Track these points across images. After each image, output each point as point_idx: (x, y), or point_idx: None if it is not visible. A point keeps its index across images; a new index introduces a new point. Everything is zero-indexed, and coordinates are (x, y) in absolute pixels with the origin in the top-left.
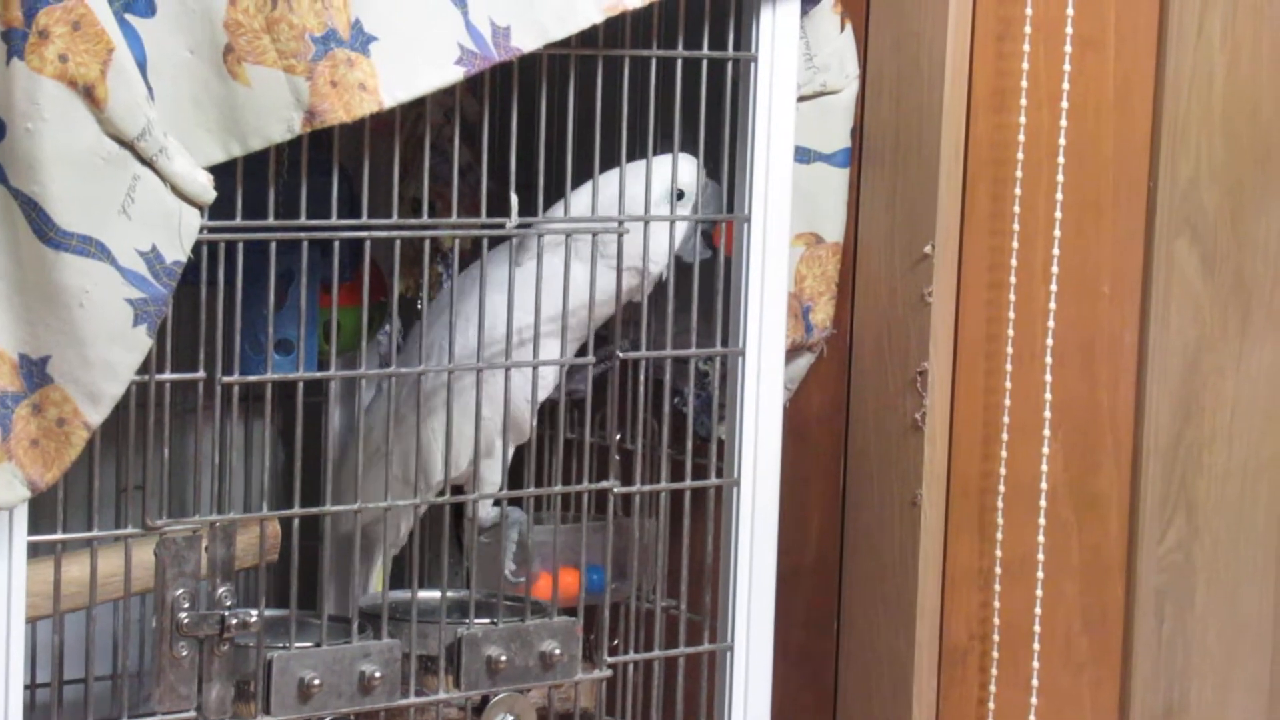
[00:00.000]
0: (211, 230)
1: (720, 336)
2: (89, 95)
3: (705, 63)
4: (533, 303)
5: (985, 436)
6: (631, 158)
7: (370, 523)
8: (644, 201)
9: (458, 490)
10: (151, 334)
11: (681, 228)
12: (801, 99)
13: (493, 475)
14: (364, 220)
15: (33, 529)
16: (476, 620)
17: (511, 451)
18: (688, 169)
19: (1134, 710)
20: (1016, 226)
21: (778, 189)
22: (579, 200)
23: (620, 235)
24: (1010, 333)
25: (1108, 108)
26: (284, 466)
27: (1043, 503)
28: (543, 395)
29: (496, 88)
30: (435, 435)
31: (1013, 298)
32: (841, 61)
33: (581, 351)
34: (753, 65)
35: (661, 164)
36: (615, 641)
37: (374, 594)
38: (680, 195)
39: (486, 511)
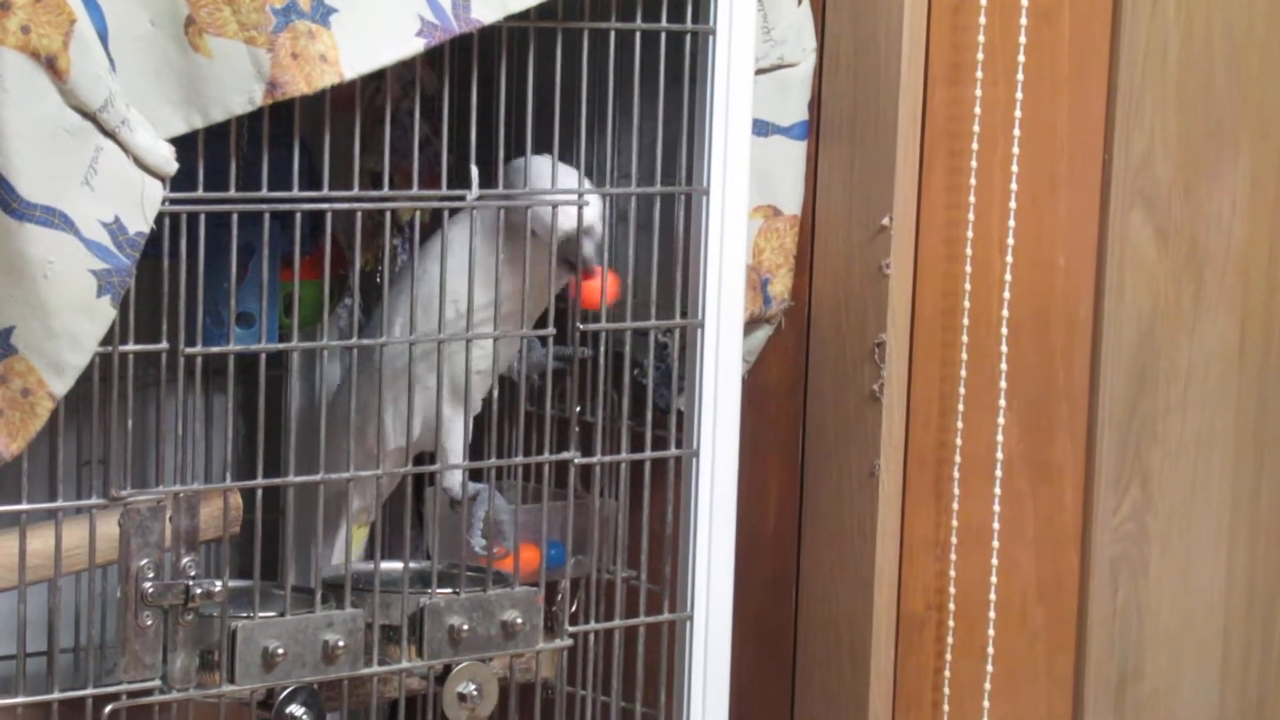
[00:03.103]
0: (173, 202)
1: (679, 309)
2: (51, 67)
3: (663, 35)
4: (487, 279)
5: (942, 408)
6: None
7: (342, 491)
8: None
9: (423, 461)
10: (115, 304)
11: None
12: (759, 72)
13: (453, 445)
14: (324, 193)
15: None
16: (439, 590)
17: (459, 423)
18: (593, 208)
19: (1089, 678)
20: (973, 199)
21: (735, 162)
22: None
23: (581, 207)
24: (967, 304)
25: (1063, 81)
26: (245, 439)
27: (999, 473)
28: (484, 364)
29: (455, 60)
30: (387, 406)
31: (969, 270)
32: (799, 34)
33: (540, 322)
34: (711, 38)
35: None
36: (574, 608)
37: (337, 565)
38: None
39: (453, 481)
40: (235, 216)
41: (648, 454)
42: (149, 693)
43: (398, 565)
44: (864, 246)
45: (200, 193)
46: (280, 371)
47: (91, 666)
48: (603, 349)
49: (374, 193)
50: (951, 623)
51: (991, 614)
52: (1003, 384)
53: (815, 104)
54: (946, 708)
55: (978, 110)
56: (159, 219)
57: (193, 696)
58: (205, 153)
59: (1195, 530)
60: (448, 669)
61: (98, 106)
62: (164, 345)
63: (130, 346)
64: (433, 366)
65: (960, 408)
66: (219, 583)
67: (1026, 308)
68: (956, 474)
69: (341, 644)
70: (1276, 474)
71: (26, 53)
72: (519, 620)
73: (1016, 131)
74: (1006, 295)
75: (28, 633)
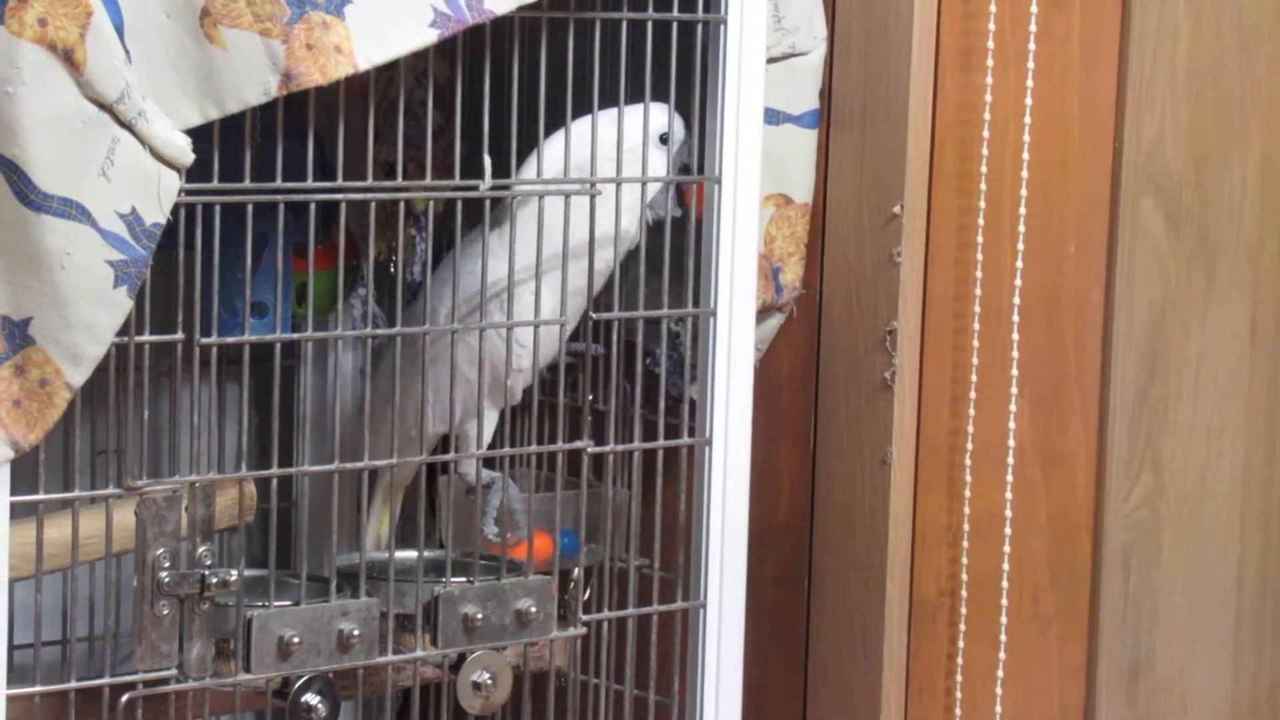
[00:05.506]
0: (189, 193)
1: (691, 297)
2: (68, 59)
3: (675, 25)
4: (521, 264)
5: (954, 395)
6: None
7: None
8: (615, 158)
9: (447, 445)
10: (132, 295)
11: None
12: (770, 60)
13: (472, 433)
14: (338, 183)
15: (11, 490)
16: (453, 579)
17: (495, 415)
18: (672, 116)
19: (1101, 666)
20: (984, 186)
21: (747, 150)
22: (552, 149)
23: (593, 196)
24: (978, 292)
25: (1073, 68)
26: (258, 428)
27: (1010, 460)
28: (533, 358)
29: (467, 50)
30: (425, 395)
31: (980, 257)
32: (810, 23)
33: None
34: (722, 27)
35: (638, 111)
36: (587, 596)
37: (351, 554)
38: (663, 139)
39: (469, 469)
40: (250, 207)
41: (660, 443)
42: (165, 682)
43: (412, 554)
44: (875, 234)
45: (215, 184)
46: (293, 361)
47: (108, 656)
48: (615, 338)
49: (387, 183)
50: (964, 610)
51: (1004, 601)
52: (1014, 371)
53: (826, 92)
54: (959, 695)
55: (989, 97)
56: (175, 210)
57: (208, 685)
58: (220, 144)
59: (1207, 516)
60: (462, 658)
61: (114, 98)
62: (179, 335)
63: (146, 337)
64: (473, 357)
65: (972, 395)
66: (234, 572)
67: (1038, 295)
68: (969, 461)
69: (356, 633)
70: None
71: (44, 45)
72: (533, 609)
73: (1027, 119)
74: (1018, 282)
75: (44, 622)
